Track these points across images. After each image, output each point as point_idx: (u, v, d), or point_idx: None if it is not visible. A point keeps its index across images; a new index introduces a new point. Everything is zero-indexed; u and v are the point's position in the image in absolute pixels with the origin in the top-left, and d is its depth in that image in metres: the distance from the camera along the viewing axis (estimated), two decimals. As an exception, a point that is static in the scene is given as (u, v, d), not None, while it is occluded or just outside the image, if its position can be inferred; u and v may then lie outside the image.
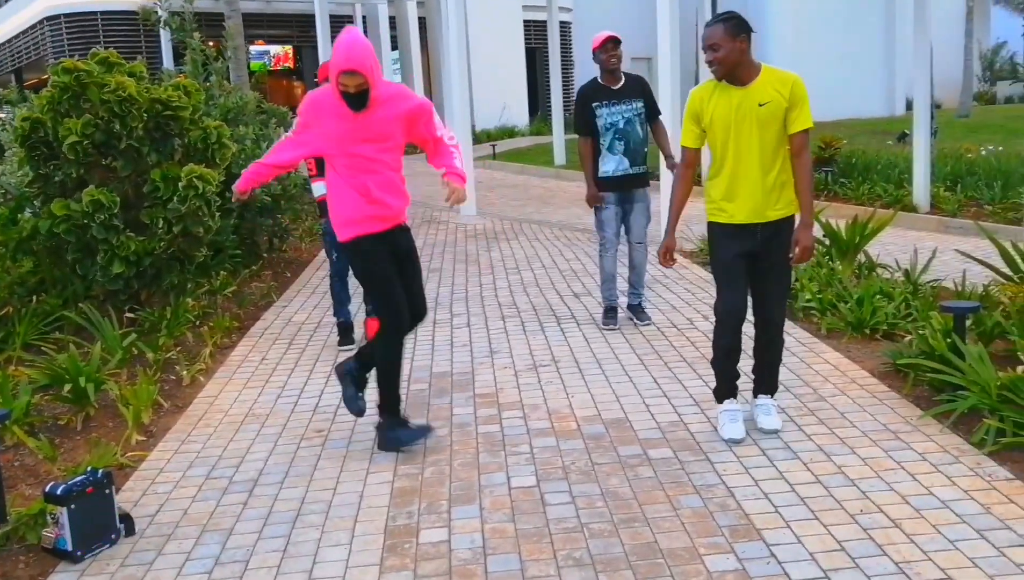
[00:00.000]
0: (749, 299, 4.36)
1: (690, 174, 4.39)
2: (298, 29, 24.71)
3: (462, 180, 4.45)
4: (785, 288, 4.45)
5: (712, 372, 4.51)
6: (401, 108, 4.31)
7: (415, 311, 4.51)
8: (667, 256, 4.37)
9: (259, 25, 23.14)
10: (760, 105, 4.12)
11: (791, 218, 4.28)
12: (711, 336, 4.50)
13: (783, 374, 5.21)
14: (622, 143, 6.24)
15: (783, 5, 28.36)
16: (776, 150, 4.19)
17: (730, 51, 4.09)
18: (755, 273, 4.33)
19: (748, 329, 4.45)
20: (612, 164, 6.27)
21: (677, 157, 4.98)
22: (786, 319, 6.24)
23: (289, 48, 25.52)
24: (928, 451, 4.12)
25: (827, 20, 28.29)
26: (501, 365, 5.70)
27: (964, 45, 29.81)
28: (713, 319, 4.41)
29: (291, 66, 26.97)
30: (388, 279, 4.35)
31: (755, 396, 4.58)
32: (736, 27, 4.09)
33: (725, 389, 4.49)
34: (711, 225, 4.35)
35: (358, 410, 4.54)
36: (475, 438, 4.52)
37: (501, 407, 4.94)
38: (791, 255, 4.25)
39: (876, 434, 4.34)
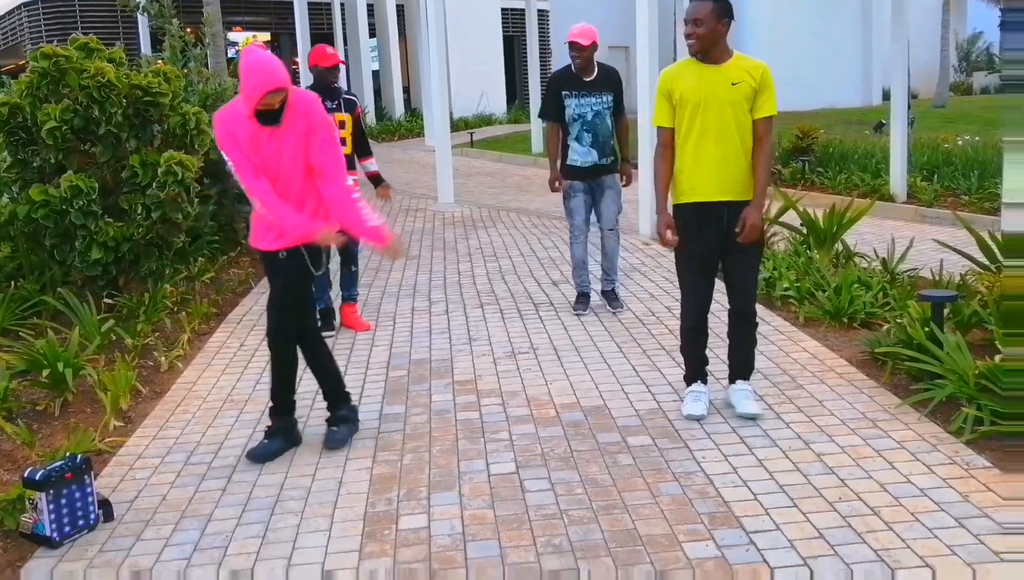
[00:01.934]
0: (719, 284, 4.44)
1: (669, 154, 4.38)
2: (276, 16, 24.51)
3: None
4: (755, 274, 4.48)
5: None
6: (307, 117, 4.13)
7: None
8: (666, 233, 4.35)
9: (237, 12, 22.91)
10: (732, 84, 4.18)
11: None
12: (678, 326, 4.52)
13: (761, 362, 5.23)
14: (590, 135, 6.22)
15: (760, -4, 28.37)
16: (743, 131, 4.23)
17: (711, 30, 4.14)
18: (725, 260, 4.39)
19: (722, 314, 4.47)
20: (580, 155, 6.26)
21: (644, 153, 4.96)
22: (765, 308, 6.30)
23: (257, 36, 25.26)
24: (906, 439, 4.14)
25: (804, 9, 28.34)
26: (480, 352, 5.67)
27: (941, 35, 29.95)
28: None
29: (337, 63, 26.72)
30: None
31: (731, 382, 4.60)
32: (722, 9, 4.14)
33: (692, 372, 4.59)
34: (677, 209, 4.37)
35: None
36: (454, 425, 4.50)
37: (480, 394, 4.92)
38: (737, 231, 4.24)
39: (854, 422, 4.35)
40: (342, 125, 5.98)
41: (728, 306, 4.50)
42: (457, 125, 23.04)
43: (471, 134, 21.22)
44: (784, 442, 4.15)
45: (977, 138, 16.02)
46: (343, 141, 5.96)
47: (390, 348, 5.84)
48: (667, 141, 4.39)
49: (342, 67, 6.03)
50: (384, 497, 3.74)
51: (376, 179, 6.39)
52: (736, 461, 3.97)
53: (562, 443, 4.22)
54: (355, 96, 6.25)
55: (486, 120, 25.12)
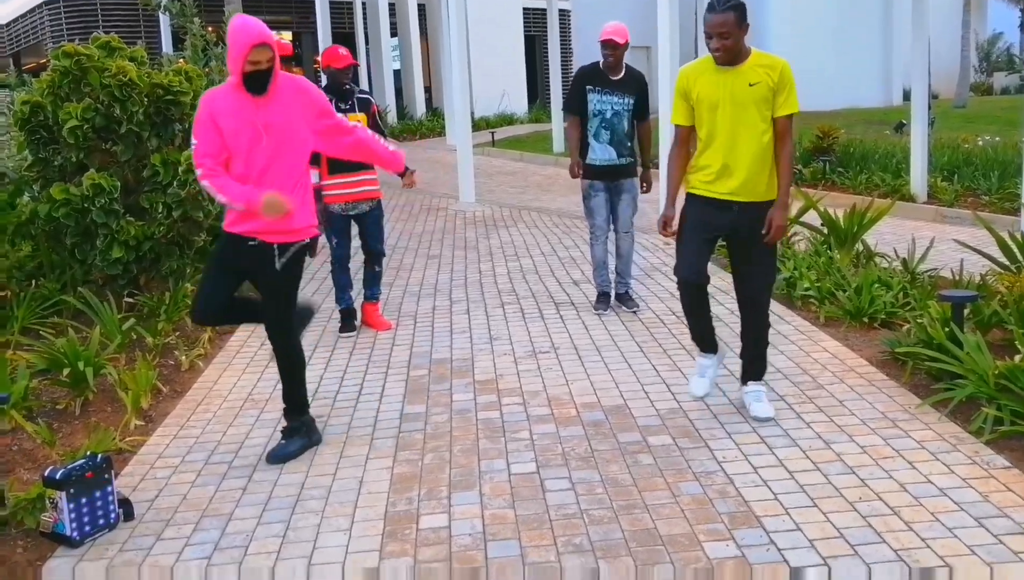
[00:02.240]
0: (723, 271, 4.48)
1: (684, 151, 4.41)
2: (298, 15, 24.60)
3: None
4: (770, 272, 4.45)
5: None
6: (298, 98, 4.16)
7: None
8: (667, 226, 4.39)
9: (259, 10, 22.97)
10: (750, 85, 4.16)
11: (772, 203, 4.30)
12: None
13: (782, 362, 5.21)
14: (607, 132, 6.23)
15: (782, -5, 28.24)
16: (762, 132, 4.22)
17: (737, 38, 4.13)
18: (739, 256, 4.42)
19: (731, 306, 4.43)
20: (599, 152, 6.27)
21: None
22: (785, 308, 6.28)
23: (281, 35, 25.36)
24: (926, 439, 4.11)
25: (824, 9, 28.18)
26: (501, 351, 5.67)
27: (961, 36, 29.71)
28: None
29: (289, 53, 26.86)
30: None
31: (744, 383, 4.59)
32: (743, 15, 4.12)
33: (698, 342, 4.69)
34: (689, 196, 4.38)
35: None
36: (475, 424, 4.50)
37: (501, 393, 4.92)
38: (763, 233, 4.25)
39: (874, 422, 4.33)
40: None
41: (739, 300, 4.52)
42: (478, 124, 23.05)
43: (492, 133, 21.25)
44: (804, 442, 4.13)
45: (997, 138, 15.88)
46: None
47: (411, 347, 5.85)
48: (683, 138, 4.41)
49: (355, 68, 6.01)
50: (405, 496, 3.75)
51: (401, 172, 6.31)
52: (756, 461, 3.95)
53: (583, 443, 4.22)
54: (369, 94, 6.24)
55: (507, 119, 25.12)
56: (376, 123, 6.12)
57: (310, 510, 3.67)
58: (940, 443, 4.07)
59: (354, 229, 6.23)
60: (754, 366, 4.56)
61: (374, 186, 6.11)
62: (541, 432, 4.36)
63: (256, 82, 4.01)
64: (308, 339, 6.08)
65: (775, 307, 6.33)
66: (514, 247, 9.13)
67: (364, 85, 23.85)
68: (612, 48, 6.15)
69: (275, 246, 4.11)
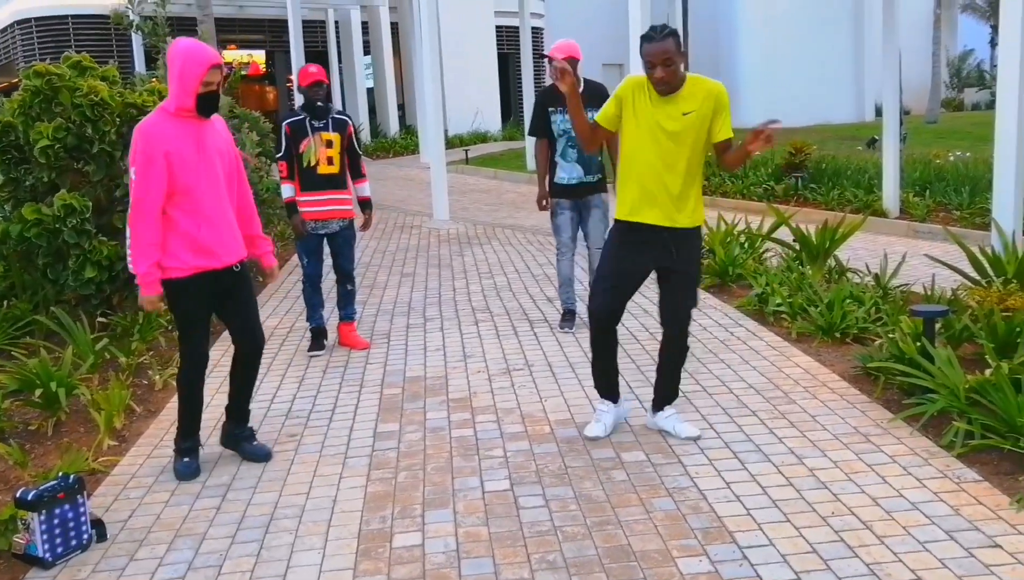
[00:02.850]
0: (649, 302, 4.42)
1: (592, 149, 4.39)
2: (271, 34, 24.60)
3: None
4: (692, 299, 4.41)
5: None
6: (224, 129, 4.31)
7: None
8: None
9: (231, 30, 23.01)
10: (684, 114, 4.14)
11: (697, 230, 4.33)
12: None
13: (754, 378, 5.27)
14: (574, 151, 6.26)
15: (754, 13, 28.59)
16: (690, 159, 4.20)
17: (679, 66, 4.10)
18: (663, 285, 4.38)
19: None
20: (567, 172, 6.30)
21: None
22: (757, 324, 6.35)
23: (252, 55, 25.35)
24: (898, 454, 4.16)
25: (797, 28, 28.53)
26: (474, 369, 5.69)
27: (932, 52, 30.14)
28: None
29: (262, 72, 26.87)
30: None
31: (659, 409, 4.55)
32: (679, 41, 4.10)
33: (598, 386, 4.57)
34: (618, 223, 4.35)
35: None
36: (448, 442, 4.51)
37: (475, 411, 4.94)
38: (759, 128, 4.05)
39: (847, 437, 4.38)
40: (329, 144, 5.99)
41: (663, 326, 4.44)
42: (452, 142, 23.14)
43: (466, 151, 21.32)
44: (777, 457, 4.17)
45: (968, 154, 16.12)
46: (330, 160, 5.99)
47: (384, 366, 5.86)
48: (596, 134, 4.34)
49: (326, 85, 6.03)
50: (378, 515, 3.75)
51: (364, 204, 6.34)
52: (729, 476, 3.99)
53: (556, 459, 4.24)
54: (348, 116, 6.26)
55: (481, 137, 25.24)
56: (352, 145, 6.14)
57: (284, 529, 3.67)
58: (912, 457, 4.12)
59: (327, 248, 6.24)
60: (669, 391, 4.53)
61: (345, 205, 6.11)
62: (515, 449, 4.38)
63: (209, 103, 4.06)
64: (281, 358, 6.11)
65: (748, 323, 6.42)
66: (488, 265, 9.16)
67: (337, 104, 23.90)
68: (549, 62, 6.23)
69: (246, 262, 4.32)
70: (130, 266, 4.08)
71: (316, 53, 24.15)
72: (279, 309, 7.61)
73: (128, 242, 4.05)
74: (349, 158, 6.14)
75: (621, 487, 3.92)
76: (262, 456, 4.41)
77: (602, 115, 4.32)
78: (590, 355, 4.55)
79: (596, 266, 6.54)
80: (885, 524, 3.51)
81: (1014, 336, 5.05)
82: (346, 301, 6.33)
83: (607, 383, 4.55)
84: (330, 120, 6.04)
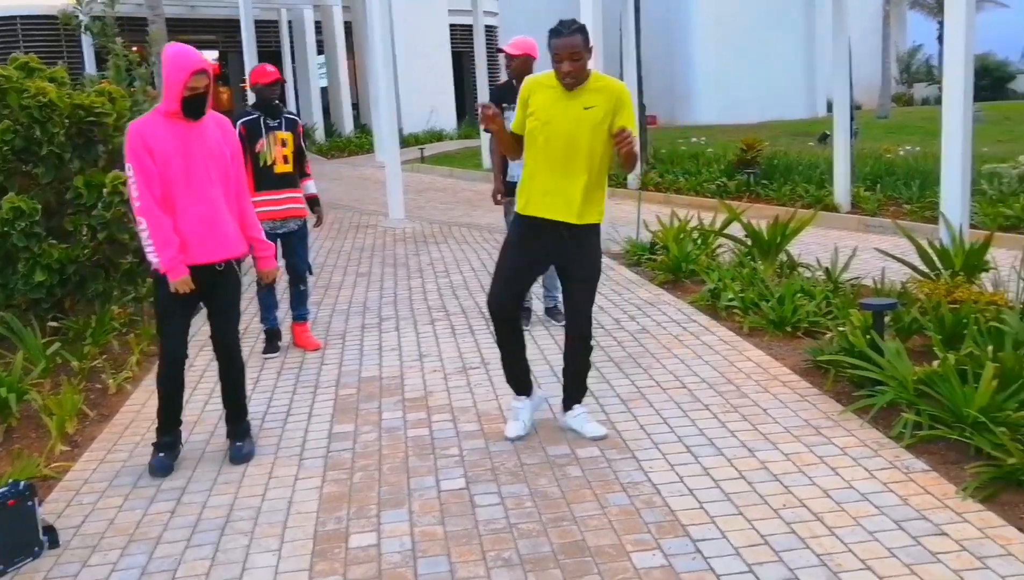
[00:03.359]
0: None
1: (502, 152, 4.40)
2: (224, 34, 24.34)
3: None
4: (591, 295, 4.44)
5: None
6: (220, 130, 4.36)
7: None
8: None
9: (184, 30, 22.70)
10: (585, 109, 4.17)
11: (596, 227, 4.37)
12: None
13: (707, 372, 5.32)
14: None
15: (706, 11, 28.82)
16: (590, 155, 4.22)
17: (586, 61, 4.13)
18: (563, 283, 4.43)
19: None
20: (518, 170, 6.30)
21: None
22: (710, 319, 6.41)
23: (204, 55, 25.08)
24: (848, 445, 4.23)
25: (749, 25, 28.82)
26: (430, 368, 5.69)
27: (882, 48, 30.63)
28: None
29: (216, 72, 26.59)
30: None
31: (568, 409, 4.58)
32: (588, 38, 4.13)
33: (509, 381, 4.58)
34: (518, 217, 4.38)
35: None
36: (404, 442, 4.51)
37: (430, 411, 4.94)
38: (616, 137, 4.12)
39: (798, 430, 4.44)
40: (284, 144, 5.98)
41: (566, 331, 4.48)
42: (407, 141, 23.06)
43: (421, 150, 21.25)
44: (729, 450, 4.22)
45: (918, 148, 16.39)
46: (285, 159, 5.98)
47: (340, 366, 5.84)
48: (513, 140, 4.38)
49: (282, 84, 6.03)
50: (334, 516, 3.74)
51: (313, 202, 6.33)
52: (682, 470, 4.03)
53: (512, 457, 4.25)
54: (296, 116, 6.25)
55: (436, 136, 25.17)
56: (300, 143, 6.12)
57: (239, 531, 3.65)
58: (862, 449, 4.19)
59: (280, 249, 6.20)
60: (576, 389, 4.56)
61: (300, 204, 6.10)
62: (471, 448, 4.38)
63: (194, 106, 4.17)
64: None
65: (701, 318, 6.48)
66: (444, 263, 9.16)
67: (291, 103, 23.72)
68: (508, 59, 6.27)
69: (234, 262, 4.40)
70: (152, 260, 4.18)
71: (269, 53, 23.93)
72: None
73: (143, 238, 4.19)
74: (296, 157, 6.11)
75: (576, 483, 3.95)
76: (237, 458, 4.38)
77: (516, 124, 4.36)
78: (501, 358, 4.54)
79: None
80: (835, 515, 3.57)
81: (961, 328, 5.16)
82: (299, 302, 6.29)
83: (516, 378, 4.55)
84: (283, 119, 6.02)
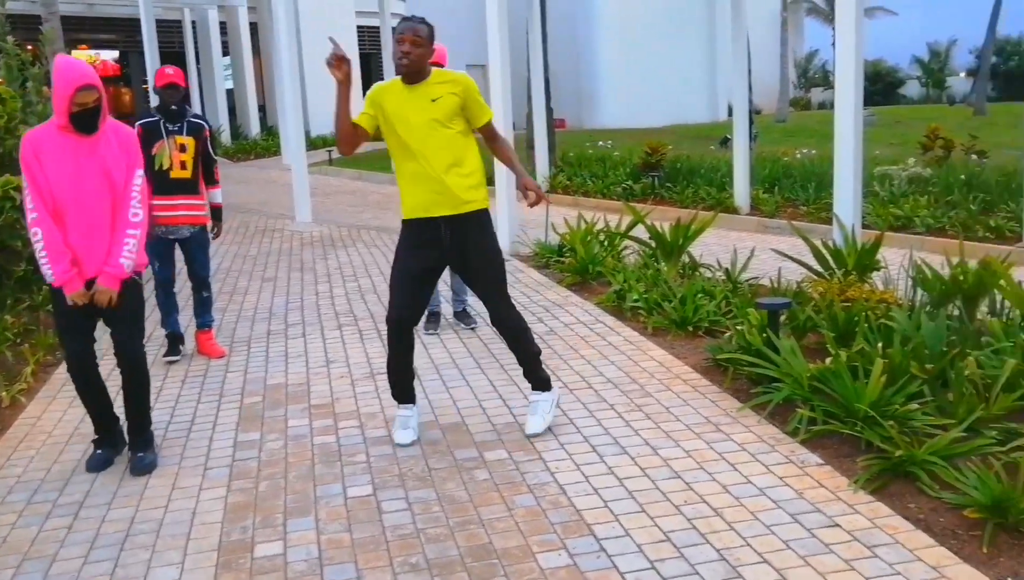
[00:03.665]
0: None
1: (348, 151, 4.43)
2: (123, 34, 23.71)
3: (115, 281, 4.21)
4: (500, 281, 4.46)
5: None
6: (121, 145, 4.24)
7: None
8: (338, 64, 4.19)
9: (82, 28, 22.08)
10: (432, 100, 4.25)
11: (482, 213, 4.39)
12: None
13: (612, 372, 5.40)
14: None
15: (610, 16, 29.21)
16: (452, 145, 4.28)
17: (426, 52, 4.22)
18: (466, 269, 4.45)
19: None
20: None
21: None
22: (616, 319, 6.50)
23: (100, 55, 24.40)
24: (747, 442, 4.34)
25: (652, 31, 29.32)
26: (337, 374, 5.64)
27: (780, 53, 31.46)
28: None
29: (116, 73, 25.87)
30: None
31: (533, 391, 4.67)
32: (432, 35, 4.24)
33: (396, 394, 4.57)
34: (403, 224, 4.41)
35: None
36: (311, 450, 4.46)
37: (337, 417, 4.90)
38: (529, 201, 4.36)
39: (699, 427, 4.54)
40: (183, 148, 5.84)
41: (491, 316, 4.50)
42: (315, 143, 22.80)
43: (329, 152, 20.99)
44: (633, 449, 4.30)
45: (814, 151, 16.91)
46: (183, 165, 5.85)
47: (245, 374, 5.74)
48: (355, 132, 4.37)
49: (183, 88, 5.88)
50: (239, 526, 3.69)
51: (216, 213, 6.20)
52: (588, 470, 4.09)
53: (420, 462, 4.25)
54: (204, 120, 6.11)
55: (345, 138, 24.93)
56: (207, 149, 5.99)
57: (140, 545, 3.56)
58: (759, 444, 4.31)
59: (180, 254, 6.07)
60: (531, 376, 4.62)
61: (197, 211, 5.97)
62: (378, 454, 4.36)
63: (84, 122, 4.07)
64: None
65: (607, 319, 6.57)
66: (352, 267, 9.08)
67: (196, 105, 23.22)
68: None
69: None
70: (46, 273, 4.09)
71: (172, 54, 23.41)
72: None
73: (36, 250, 4.08)
74: (203, 163, 5.99)
75: (484, 486, 3.97)
76: (139, 470, 4.29)
77: (360, 116, 4.37)
78: (389, 361, 4.51)
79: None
80: (734, 510, 3.66)
81: (852, 325, 5.34)
82: (202, 309, 6.17)
83: (403, 386, 4.55)
84: (185, 124, 5.89)
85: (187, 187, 5.88)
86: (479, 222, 4.38)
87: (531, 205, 4.41)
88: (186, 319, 6.40)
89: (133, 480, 4.20)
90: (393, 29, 4.28)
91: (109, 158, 4.16)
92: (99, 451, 4.39)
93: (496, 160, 4.66)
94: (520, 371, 4.75)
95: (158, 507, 3.90)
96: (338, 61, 4.14)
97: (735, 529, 3.51)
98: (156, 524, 3.74)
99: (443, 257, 4.40)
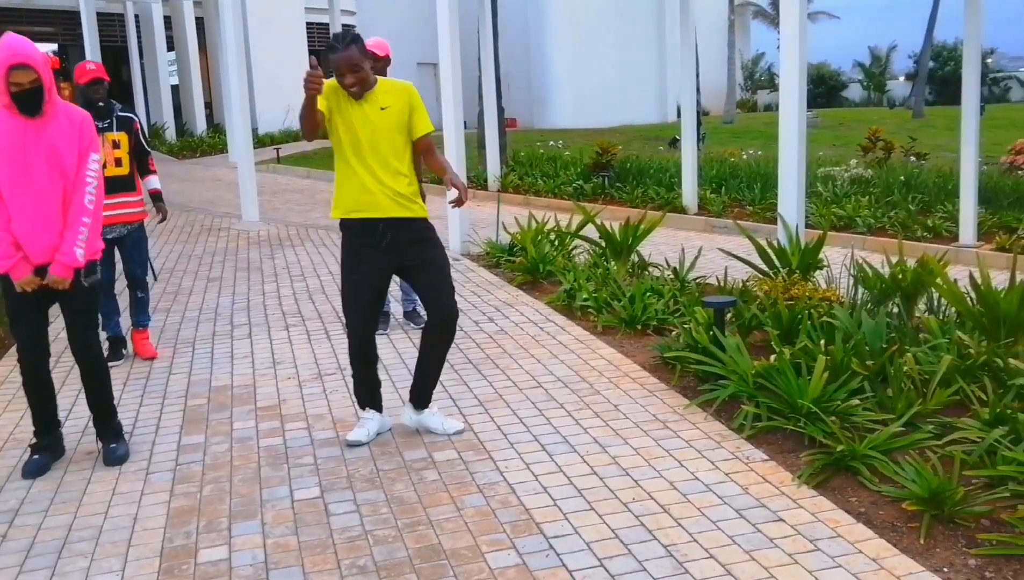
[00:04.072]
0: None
1: (312, 138, 4.36)
2: (62, 27, 23.23)
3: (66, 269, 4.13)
4: (446, 279, 4.43)
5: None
6: (72, 128, 4.12)
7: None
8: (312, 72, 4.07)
9: (18, 20, 21.56)
10: (382, 109, 4.26)
11: (421, 220, 4.39)
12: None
13: (562, 371, 5.42)
14: None
15: (561, 19, 29.32)
16: (396, 151, 4.30)
17: (366, 69, 4.20)
18: (414, 276, 4.42)
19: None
20: None
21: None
22: (566, 318, 6.52)
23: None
24: (694, 438, 4.38)
25: (603, 32, 29.50)
26: (284, 376, 5.58)
27: (727, 56, 31.83)
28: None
29: (55, 67, 25.35)
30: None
31: (424, 407, 4.58)
32: (363, 47, 4.19)
33: (362, 396, 4.54)
34: (343, 224, 4.37)
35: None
36: (256, 452, 4.40)
37: (284, 419, 4.84)
38: (451, 198, 4.43)
39: (647, 424, 4.57)
40: (116, 145, 5.74)
41: (431, 317, 4.43)
42: (262, 141, 22.55)
43: (277, 150, 20.81)
44: (582, 447, 4.31)
45: (760, 152, 17.13)
46: (118, 161, 5.75)
47: (189, 375, 5.65)
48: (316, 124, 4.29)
49: (106, 83, 5.76)
50: (182, 531, 3.62)
51: (157, 197, 6.13)
52: (537, 468, 4.09)
53: (368, 464, 4.22)
54: (132, 113, 5.98)
55: (293, 135, 24.61)
56: (140, 142, 5.88)
57: (78, 553, 3.49)
58: (706, 441, 4.35)
59: (118, 254, 5.97)
60: (430, 389, 4.59)
61: (134, 208, 5.86)
62: (326, 456, 4.32)
63: (24, 103, 3.95)
64: (76, 371, 5.72)
65: (557, 318, 6.59)
66: (300, 267, 8.99)
67: (140, 101, 22.83)
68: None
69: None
70: None
71: (115, 48, 23.02)
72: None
73: None
74: (137, 156, 5.88)
75: (432, 487, 3.95)
76: (112, 460, 4.31)
77: (320, 100, 4.26)
78: (354, 377, 4.51)
79: None
80: (681, 507, 3.69)
81: (796, 323, 5.42)
82: (138, 309, 6.06)
83: (369, 389, 4.53)
84: (114, 119, 5.78)
85: (124, 184, 5.77)
86: (427, 228, 4.40)
87: (452, 203, 4.45)
88: (128, 322, 6.27)
89: (72, 486, 4.11)
90: (328, 53, 4.14)
91: (60, 142, 4.04)
92: (36, 456, 4.29)
93: (431, 170, 4.58)
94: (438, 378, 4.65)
95: (97, 513, 3.82)
96: (314, 81, 4.05)
97: (682, 525, 3.54)
98: (95, 531, 3.66)
99: (389, 257, 4.35)
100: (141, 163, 5.96)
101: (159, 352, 6.13)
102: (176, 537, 3.57)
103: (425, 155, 4.51)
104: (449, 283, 4.42)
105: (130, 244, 5.92)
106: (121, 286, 6.20)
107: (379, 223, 4.29)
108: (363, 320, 4.36)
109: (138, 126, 5.92)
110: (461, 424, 4.57)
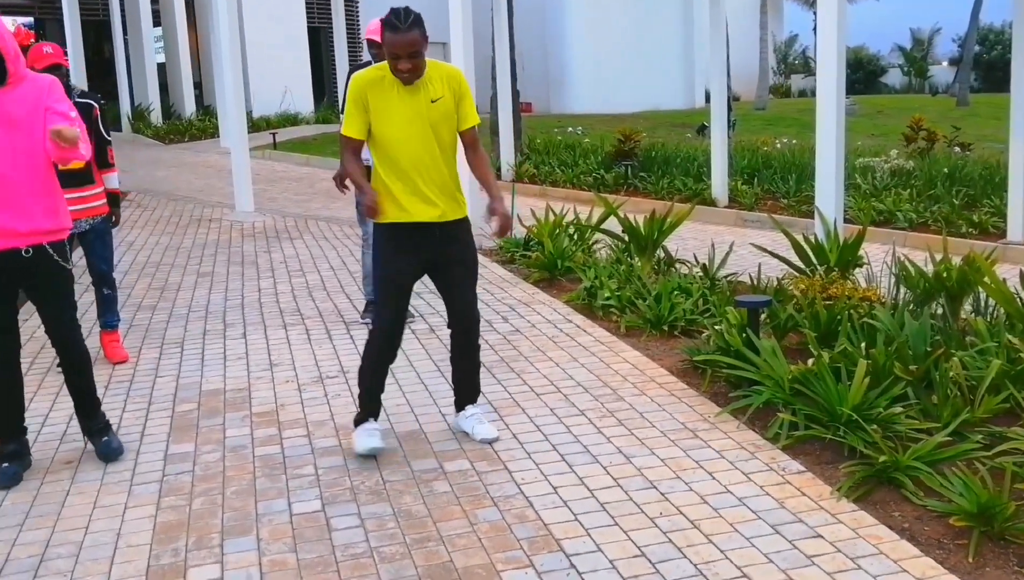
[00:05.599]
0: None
1: (356, 157, 4.37)
2: (40, 0, 23.28)
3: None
4: (474, 286, 4.52)
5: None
6: (40, 94, 4.12)
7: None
8: (374, 206, 4.24)
9: (-8, -9, 21.67)
10: (432, 101, 4.23)
11: (466, 220, 4.44)
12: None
13: (582, 375, 5.40)
14: None
15: (581, -2, 29.24)
16: (446, 148, 4.31)
17: (423, 56, 4.14)
18: (444, 279, 4.46)
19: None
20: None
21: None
22: (586, 318, 6.51)
23: (15, 22, 23.98)
24: (725, 448, 4.36)
25: (626, 10, 29.41)
26: (282, 379, 5.58)
27: (760, 37, 31.74)
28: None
29: (30, 41, 25.41)
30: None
31: (461, 409, 4.66)
32: (424, 29, 4.11)
33: (369, 404, 4.52)
34: (385, 228, 4.32)
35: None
36: (252, 462, 4.40)
37: (282, 426, 4.84)
38: (492, 229, 4.41)
39: (675, 433, 4.55)
40: None
41: (452, 323, 4.51)
42: (258, 125, 22.56)
43: (273, 135, 20.82)
44: (605, 458, 4.29)
45: (795, 141, 17.07)
46: None
47: (177, 379, 5.65)
48: (356, 149, 4.34)
49: (65, 67, 5.71)
50: (170, 548, 3.62)
51: (114, 200, 6.01)
52: (556, 480, 4.07)
53: (374, 474, 4.21)
54: (92, 99, 5.87)
55: (291, 119, 24.68)
56: (99, 129, 5.78)
57: (56, 571, 3.47)
58: (739, 451, 4.33)
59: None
60: (471, 390, 4.65)
61: (95, 201, 5.79)
62: (327, 466, 4.32)
63: None
64: (53, 374, 5.77)
65: (576, 318, 6.58)
66: (299, 261, 9.01)
67: (123, 81, 22.83)
68: (378, 47, 6.21)
69: (49, 246, 4.19)
70: None
71: (96, 22, 23.05)
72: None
73: None
74: (95, 145, 5.78)
75: (443, 499, 3.94)
76: (107, 454, 4.40)
77: (353, 128, 4.27)
78: (367, 376, 4.49)
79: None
80: (712, 522, 3.67)
81: (835, 325, 5.39)
82: (105, 307, 6.03)
83: (378, 402, 4.54)
84: (74, 105, 5.74)
85: (81, 177, 5.62)
86: (466, 226, 4.44)
87: (495, 235, 4.45)
88: (88, 324, 6.24)
89: (49, 498, 4.09)
90: (386, 31, 4.02)
91: (23, 112, 4.03)
92: (6, 464, 4.25)
93: (470, 167, 4.52)
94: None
95: (77, 528, 3.81)
96: (370, 213, 4.22)
97: (713, 542, 3.51)
98: (75, 547, 3.65)
99: (426, 261, 4.38)
100: (100, 153, 5.84)
101: (130, 354, 6.08)
102: (163, 554, 3.56)
103: (468, 149, 4.45)
104: (474, 286, 4.48)
105: (93, 238, 5.86)
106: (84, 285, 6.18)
107: (435, 228, 4.29)
108: (395, 312, 4.37)
109: (97, 113, 5.80)
110: (496, 433, 4.54)
